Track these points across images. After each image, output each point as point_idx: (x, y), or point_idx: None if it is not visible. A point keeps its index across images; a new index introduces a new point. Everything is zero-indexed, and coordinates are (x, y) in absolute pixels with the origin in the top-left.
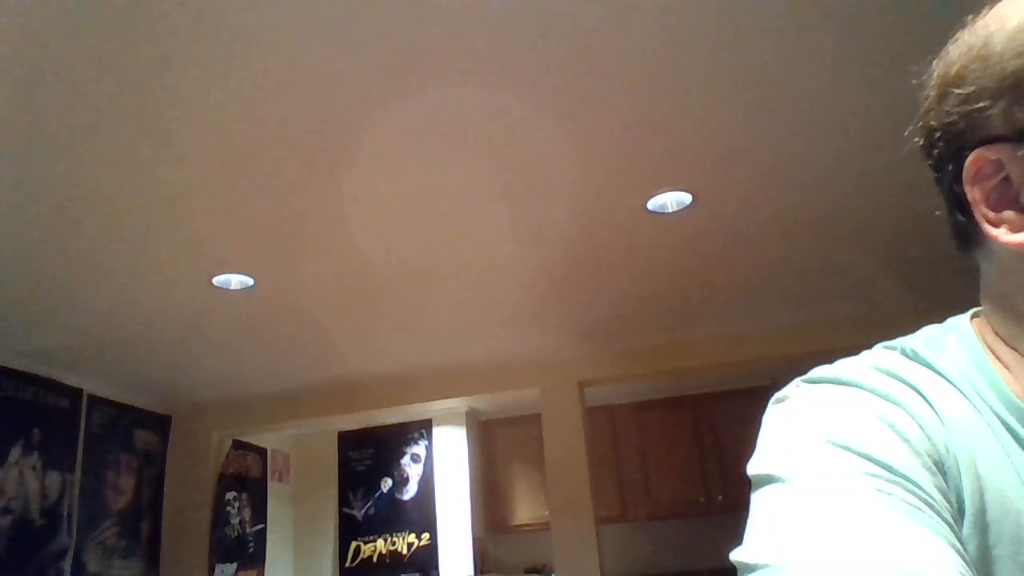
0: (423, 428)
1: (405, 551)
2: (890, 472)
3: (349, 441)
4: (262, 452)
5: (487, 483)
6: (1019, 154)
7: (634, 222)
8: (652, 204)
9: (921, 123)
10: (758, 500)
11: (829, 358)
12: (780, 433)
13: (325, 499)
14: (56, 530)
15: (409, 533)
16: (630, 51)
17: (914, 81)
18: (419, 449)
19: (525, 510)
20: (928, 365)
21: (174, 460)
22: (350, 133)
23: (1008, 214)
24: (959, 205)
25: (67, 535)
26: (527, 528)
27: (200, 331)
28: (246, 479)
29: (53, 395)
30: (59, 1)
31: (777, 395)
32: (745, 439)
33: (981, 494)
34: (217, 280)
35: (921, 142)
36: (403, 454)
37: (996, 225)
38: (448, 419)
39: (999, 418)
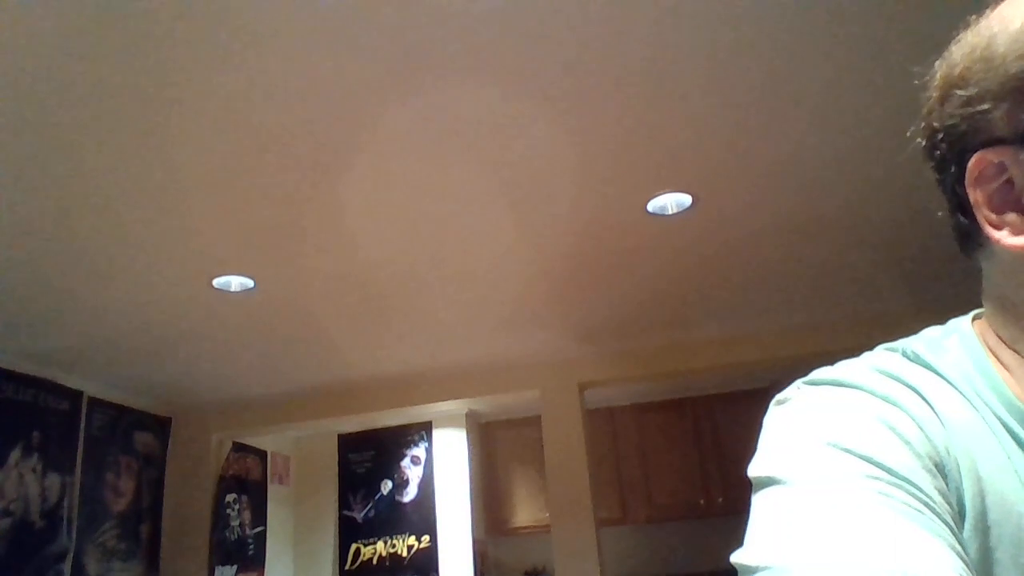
0: (423, 430)
1: (405, 553)
2: (891, 474)
3: (349, 443)
4: (262, 454)
5: (487, 485)
6: (1022, 157)
7: (634, 223)
8: (652, 206)
9: (923, 124)
10: (759, 502)
11: (830, 360)
12: (781, 435)
13: (325, 501)
14: (56, 532)
15: (409, 535)
16: (630, 52)
17: (916, 82)
18: (419, 451)
19: (525, 512)
20: (929, 367)
21: (174, 462)
22: (350, 134)
23: (1010, 216)
24: (961, 207)
25: (67, 537)
26: (527, 530)
27: (200, 333)
28: (246, 481)
29: (53, 397)
30: (59, 2)
31: (778, 397)
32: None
33: (982, 496)
34: (217, 282)
35: (923, 143)
36: (403, 456)
37: (998, 227)
38: (448, 421)
39: (1000, 420)
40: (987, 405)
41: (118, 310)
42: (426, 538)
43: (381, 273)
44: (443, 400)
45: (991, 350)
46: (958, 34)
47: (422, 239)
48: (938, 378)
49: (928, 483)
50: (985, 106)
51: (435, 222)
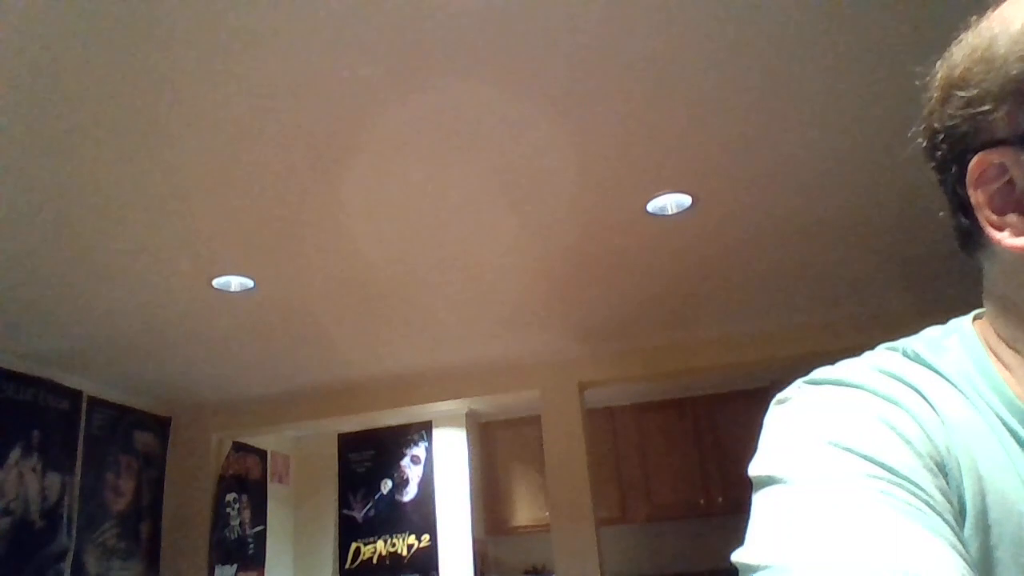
0: (423, 430)
1: (405, 552)
2: (891, 473)
3: (349, 443)
4: (262, 454)
5: (487, 485)
6: (1022, 158)
7: (634, 224)
8: (652, 206)
9: (924, 125)
10: (759, 501)
11: (830, 360)
12: (782, 434)
13: (325, 501)
14: (56, 531)
15: (409, 535)
16: (630, 52)
17: (917, 82)
18: (419, 451)
19: (525, 512)
20: (930, 366)
21: (174, 462)
22: (350, 134)
23: (1011, 217)
24: (962, 207)
25: (67, 536)
26: (527, 530)
27: (200, 333)
28: (246, 481)
29: (53, 397)
30: (60, 3)
31: (779, 396)
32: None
33: (983, 495)
34: (217, 282)
35: (924, 144)
36: (403, 456)
37: (999, 228)
38: (448, 421)
39: (1001, 420)
40: (988, 404)
41: (118, 310)
42: (426, 537)
43: (381, 273)
44: (443, 400)
45: (992, 350)
46: (959, 35)
47: (422, 239)
48: (939, 377)
49: (929, 482)
50: (986, 107)
51: (435, 222)
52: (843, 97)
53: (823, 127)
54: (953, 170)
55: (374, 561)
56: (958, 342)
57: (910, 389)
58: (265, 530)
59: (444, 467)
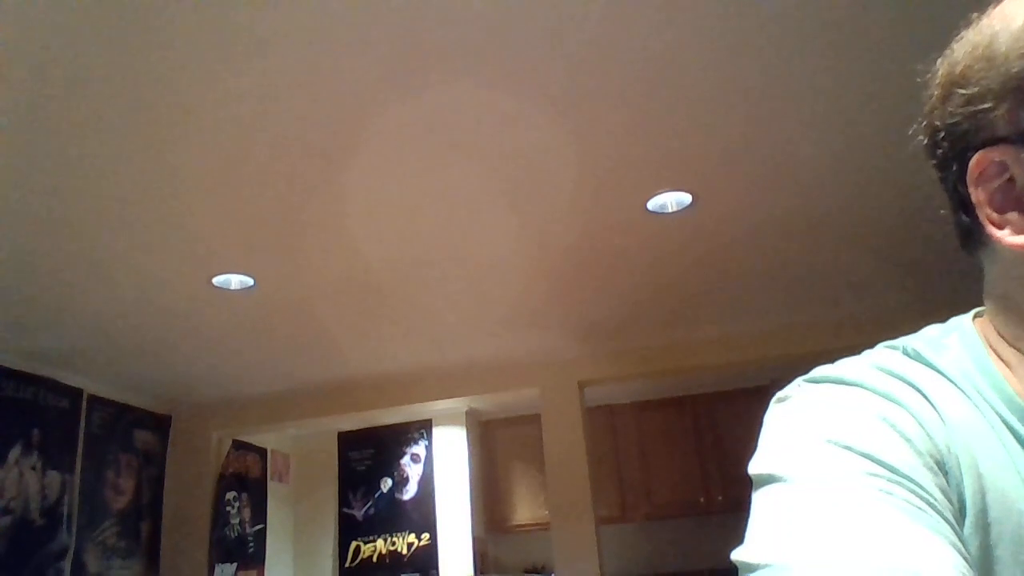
0: (423, 428)
1: (405, 551)
2: (891, 472)
3: (349, 441)
4: (262, 452)
5: (487, 483)
6: (1023, 156)
7: (634, 222)
8: (652, 204)
9: (925, 122)
10: (759, 500)
11: (830, 358)
12: (782, 433)
13: (325, 499)
14: (56, 530)
15: (409, 533)
16: (630, 51)
17: (918, 80)
18: (419, 449)
19: (525, 510)
20: (930, 365)
21: (174, 460)
22: (350, 133)
23: (1012, 215)
24: (963, 205)
25: (67, 535)
26: (527, 528)
27: (200, 331)
28: (246, 479)
29: (53, 395)
30: (60, 3)
31: (779, 394)
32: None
33: (982, 494)
34: (217, 280)
35: (925, 141)
36: (403, 454)
37: (1000, 226)
38: (448, 419)
39: (1001, 418)
40: (988, 403)
41: (118, 308)
42: (426, 536)
43: (381, 272)
44: (443, 398)
45: (992, 348)
46: (960, 32)
47: (422, 237)
48: (939, 376)
49: (929, 481)
50: (986, 105)
51: (435, 221)
52: (843, 96)
53: (823, 126)
54: (954, 168)
55: (374, 559)
56: (958, 340)
57: (910, 387)
58: (265, 528)
59: (444, 465)
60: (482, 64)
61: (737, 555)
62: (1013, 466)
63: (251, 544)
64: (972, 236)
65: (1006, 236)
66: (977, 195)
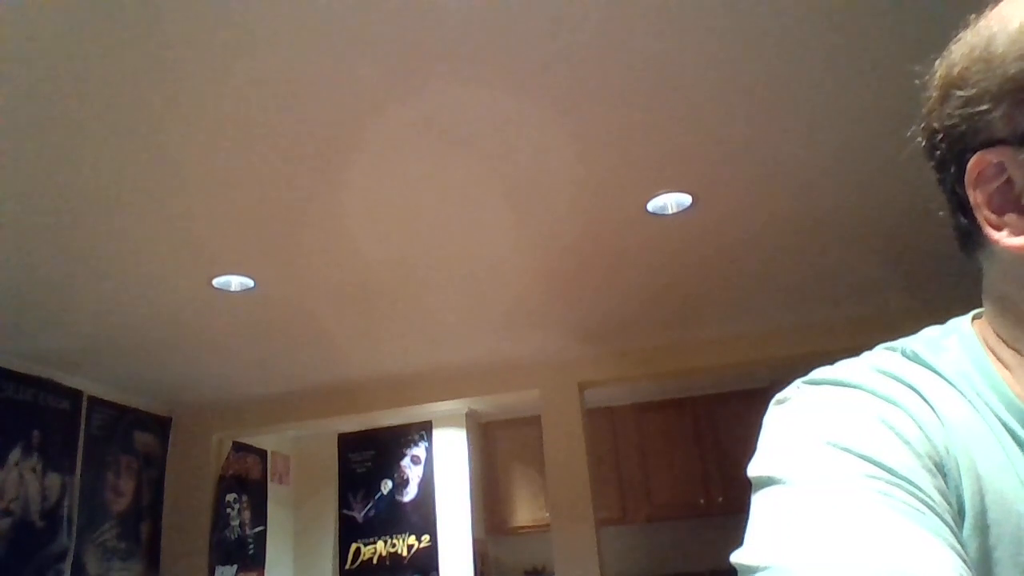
0: (423, 430)
1: (405, 553)
2: (890, 474)
3: (349, 443)
4: (262, 454)
5: (487, 485)
6: (1021, 157)
7: (634, 223)
8: (652, 205)
9: (923, 124)
10: (758, 502)
11: (829, 360)
12: (781, 435)
13: (325, 501)
14: (56, 532)
15: (409, 535)
16: (631, 52)
17: (917, 81)
18: (419, 451)
19: (525, 512)
20: (929, 366)
21: (174, 462)
22: (350, 134)
23: (1010, 217)
24: (961, 207)
25: (67, 537)
26: (527, 530)
27: (200, 333)
28: (246, 481)
29: (53, 397)
30: (60, 4)
31: (778, 396)
32: (745, 440)
33: (981, 496)
34: (217, 281)
35: (923, 143)
36: (403, 456)
37: (998, 228)
38: (448, 421)
39: (1000, 420)
40: (987, 404)
41: (118, 310)
42: (426, 538)
43: (381, 273)
44: (443, 400)
45: (991, 349)
46: (958, 33)
47: (422, 239)
48: (937, 377)
49: (928, 482)
50: (984, 106)
51: (435, 222)
52: (843, 97)
53: (823, 127)
54: (952, 170)
55: (374, 561)
56: (957, 342)
57: (909, 389)
58: (265, 530)
59: (444, 467)
60: (482, 64)
61: (736, 557)
62: (1012, 468)
63: (251, 546)
64: (971, 238)
65: (1004, 238)
66: (975, 197)
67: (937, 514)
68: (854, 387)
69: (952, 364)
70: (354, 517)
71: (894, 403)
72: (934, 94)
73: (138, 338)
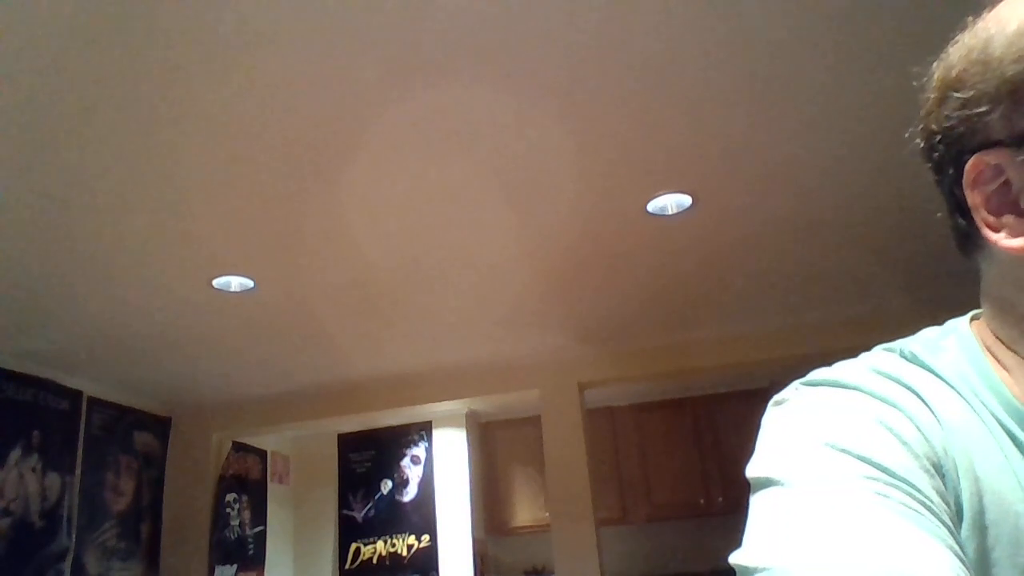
0: (423, 430)
1: (405, 553)
2: (889, 475)
3: (349, 443)
4: (262, 454)
5: (487, 485)
6: (1018, 159)
7: (634, 224)
8: (652, 206)
9: (921, 126)
10: (757, 503)
11: (828, 360)
12: (779, 436)
13: (325, 501)
14: (56, 532)
15: (409, 535)
16: (631, 52)
17: (915, 83)
18: (419, 451)
19: (525, 512)
20: (927, 367)
21: (174, 462)
22: (350, 134)
23: (1008, 219)
24: (959, 208)
25: (67, 537)
26: (527, 530)
27: (200, 333)
28: (246, 481)
29: (53, 397)
30: (59, 5)
31: (776, 398)
32: (745, 441)
33: (979, 496)
34: (217, 282)
35: (921, 144)
36: (403, 456)
37: (996, 229)
38: (448, 421)
39: (998, 421)
40: (985, 406)
41: (118, 310)
42: (426, 537)
43: (381, 273)
44: (443, 400)
45: (989, 350)
46: (956, 35)
47: (422, 239)
48: (936, 378)
49: (926, 483)
50: (982, 108)
51: (435, 222)
52: (843, 97)
53: (823, 127)
54: (950, 171)
55: (374, 561)
56: (955, 343)
57: (907, 390)
58: (265, 530)
59: (444, 467)
60: (482, 64)
61: (735, 558)
62: (1010, 468)
63: (251, 546)
64: (969, 239)
65: (1002, 239)
66: (973, 198)
67: (935, 515)
68: (852, 388)
69: (950, 365)
70: (354, 517)
71: (892, 404)
72: (932, 96)
73: (138, 338)
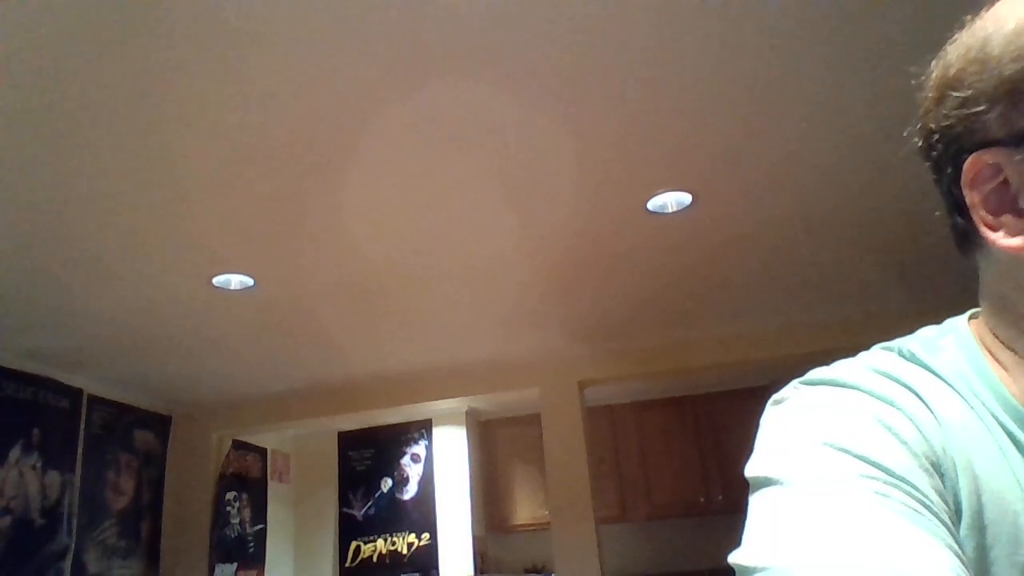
0: (423, 428)
1: (405, 551)
2: (888, 474)
3: (349, 441)
4: (262, 452)
5: (487, 483)
6: (1016, 158)
7: (634, 222)
8: (652, 204)
9: (920, 125)
10: (756, 503)
11: (828, 359)
12: (778, 435)
13: (325, 499)
14: (56, 530)
15: (409, 533)
16: (630, 51)
17: (913, 82)
18: (419, 449)
19: (525, 510)
20: (925, 366)
21: (174, 460)
22: (350, 133)
23: (1006, 218)
24: (958, 207)
25: (67, 535)
26: (527, 528)
27: (200, 331)
28: (246, 479)
29: (53, 395)
30: (59, 5)
31: (774, 397)
32: (745, 439)
33: (978, 495)
34: (217, 280)
35: (920, 144)
36: (403, 454)
37: (994, 228)
38: (448, 419)
39: (996, 420)
40: (983, 404)
41: (118, 309)
42: (426, 536)
43: (381, 272)
44: (443, 398)
45: (988, 349)
46: (955, 34)
47: (422, 238)
48: (934, 377)
49: (925, 482)
50: (980, 108)
51: (435, 221)
52: (843, 96)
53: (823, 126)
54: (948, 170)
55: (374, 559)
56: (953, 342)
57: (906, 389)
58: (265, 528)
59: (444, 465)
60: (482, 64)
61: (734, 558)
62: (1008, 468)
63: (251, 544)
64: (967, 238)
65: (1000, 238)
66: (971, 198)
67: (934, 514)
68: (851, 387)
69: (948, 364)
70: (354, 515)
71: (891, 403)
72: (930, 95)
73: (138, 337)
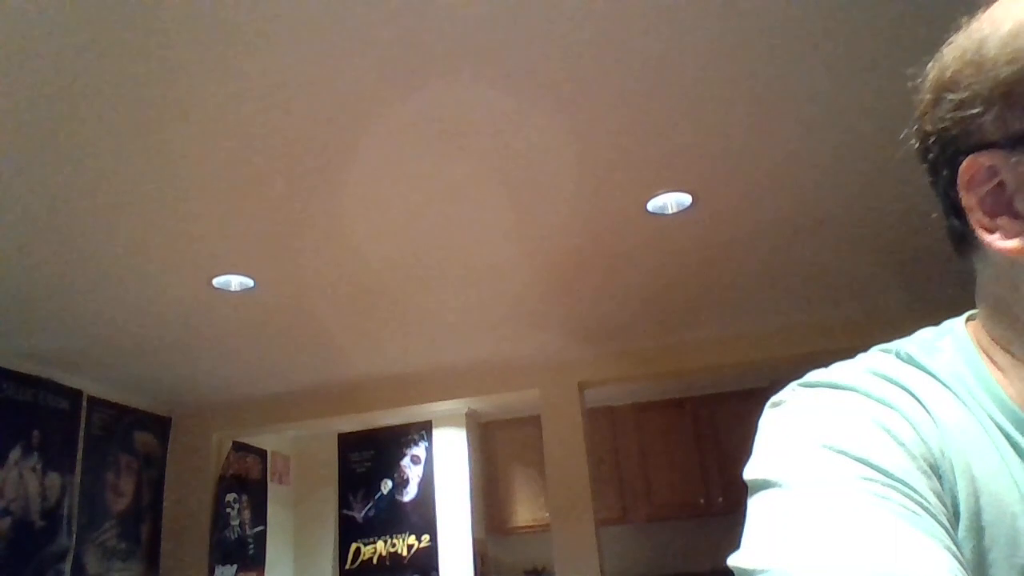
0: (423, 429)
1: (405, 553)
2: (886, 476)
3: (349, 442)
4: (262, 454)
5: (487, 485)
6: (1012, 160)
7: (634, 223)
8: (652, 205)
9: (916, 127)
10: (755, 505)
11: (827, 360)
12: (776, 438)
13: (325, 501)
14: (56, 532)
15: (409, 535)
16: (631, 51)
17: (910, 84)
18: (419, 451)
19: (525, 512)
20: (923, 368)
21: (174, 462)
22: (350, 133)
23: (1002, 220)
24: (954, 209)
25: (67, 537)
26: (527, 530)
27: (200, 332)
28: (246, 481)
29: (53, 397)
30: (58, 6)
31: (773, 399)
32: (745, 440)
33: (976, 497)
34: (217, 281)
35: (916, 145)
36: (403, 456)
37: (990, 231)
38: (448, 420)
39: (994, 422)
40: (981, 406)
41: (118, 310)
42: (426, 537)
43: (381, 273)
44: (443, 399)
45: (985, 351)
46: (951, 36)
47: (422, 239)
48: (932, 379)
49: (923, 484)
50: (976, 110)
51: (435, 222)
52: (843, 97)
53: (823, 127)
54: (945, 172)
55: (374, 561)
56: (951, 344)
57: (903, 391)
58: (265, 530)
59: (444, 467)
60: (482, 64)
61: (734, 560)
62: (1006, 469)
63: (251, 546)
64: (964, 240)
65: (996, 240)
66: (968, 200)
67: (932, 516)
68: (849, 389)
69: (946, 366)
70: (354, 517)
71: (889, 405)
72: (926, 97)
73: (138, 338)
